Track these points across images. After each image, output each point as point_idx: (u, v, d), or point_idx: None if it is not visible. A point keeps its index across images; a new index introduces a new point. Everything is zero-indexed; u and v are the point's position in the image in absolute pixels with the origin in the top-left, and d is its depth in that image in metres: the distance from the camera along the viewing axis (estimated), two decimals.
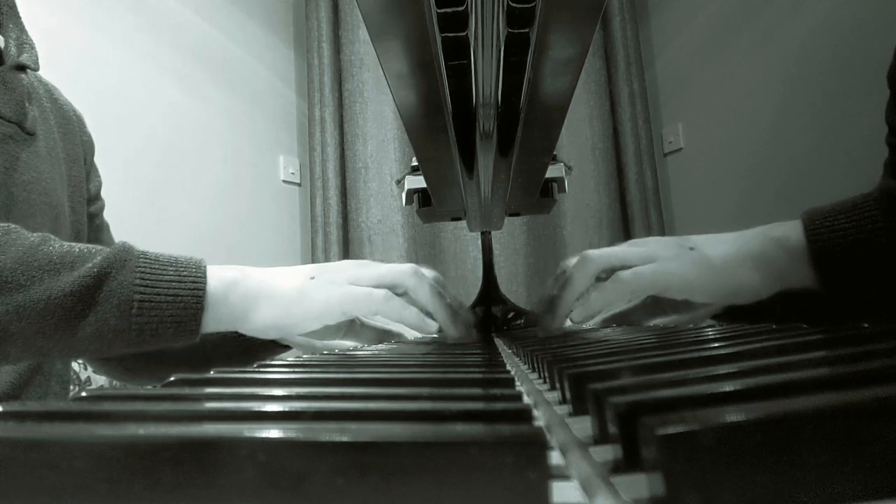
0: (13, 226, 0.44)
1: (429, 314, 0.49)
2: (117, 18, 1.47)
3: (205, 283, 0.45)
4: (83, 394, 0.18)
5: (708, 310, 0.56)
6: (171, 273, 0.44)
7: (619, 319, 0.60)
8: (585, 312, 0.46)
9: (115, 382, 1.18)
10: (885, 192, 0.41)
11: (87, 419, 0.14)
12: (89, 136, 0.77)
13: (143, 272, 0.43)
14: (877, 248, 0.39)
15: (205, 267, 0.46)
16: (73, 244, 0.44)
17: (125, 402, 0.16)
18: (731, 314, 0.56)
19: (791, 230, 0.43)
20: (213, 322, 0.46)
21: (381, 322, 0.58)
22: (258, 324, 0.47)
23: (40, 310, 0.40)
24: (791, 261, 0.43)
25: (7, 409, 0.14)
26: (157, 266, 0.44)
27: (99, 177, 0.78)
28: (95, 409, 0.15)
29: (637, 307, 0.59)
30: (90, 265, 0.42)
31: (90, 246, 0.44)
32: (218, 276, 0.46)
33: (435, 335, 0.51)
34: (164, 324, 0.43)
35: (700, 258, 0.45)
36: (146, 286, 0.43)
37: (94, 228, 0.76)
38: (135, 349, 0.43)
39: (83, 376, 1.16)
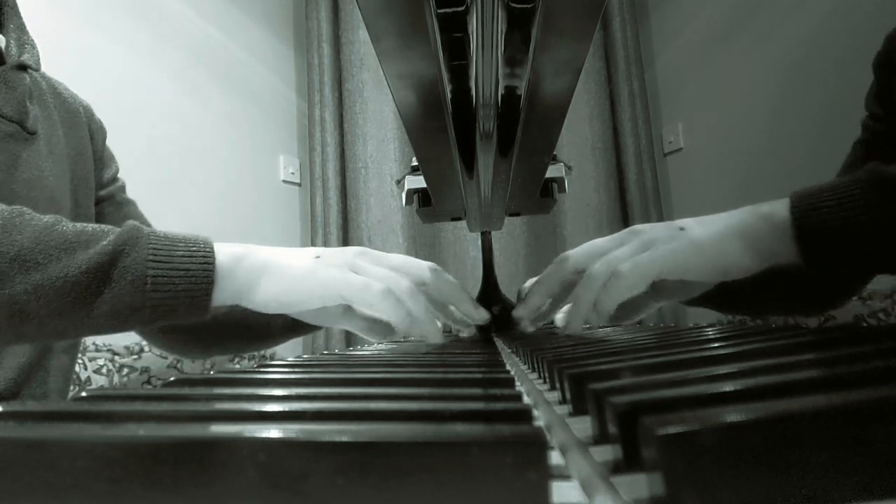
0: (25, 208, 0.45)
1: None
2: (117, 18, 1.47)
3: (214, 257, 0.46)
4: (83, 394, 0.18)
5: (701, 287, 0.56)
6: (182, 249, 0.45)
7: (619, 310, 0.61)
8: (601, 316, 0.47)
9: (115, 382, 1.18)
10: (871, 172, 0.42)
11: (87, 419, 0.14)
12: (99, 123, 0.79)
13: (154, 249, 0.44)
14: (858, 224, 0.40)
15: (212, 243, 0.47)
16: (86, 224, 0.45)
17: (125, 402, 0.16)
18: (722, 293, 0.55)
19: (778, 207, 0.44)
20: (220, 296, 0.46)
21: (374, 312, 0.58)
22: (262, 298, 0.47)
23: (58, 288, 0.41)
24: (777, 236, 0.43)
25: (7, 409, 0.14)
26: (167, 243, 0.45)
27: (115, 161, 0.80)
28: (95, 409, 0.15)
29: (637, 295, 0.60)
30: (104, 243, 0.43)
31: (101, 225, 0.45)
32: (225, 252, 0.47)
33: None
34: (178, 298, 0.44)
35: (691, 238, 0.46)
36: (159, 262, 0.43)
37: (116, 206, 0.78)
38: (147, 326, 0.44)
39: (83, 376, 1.16)
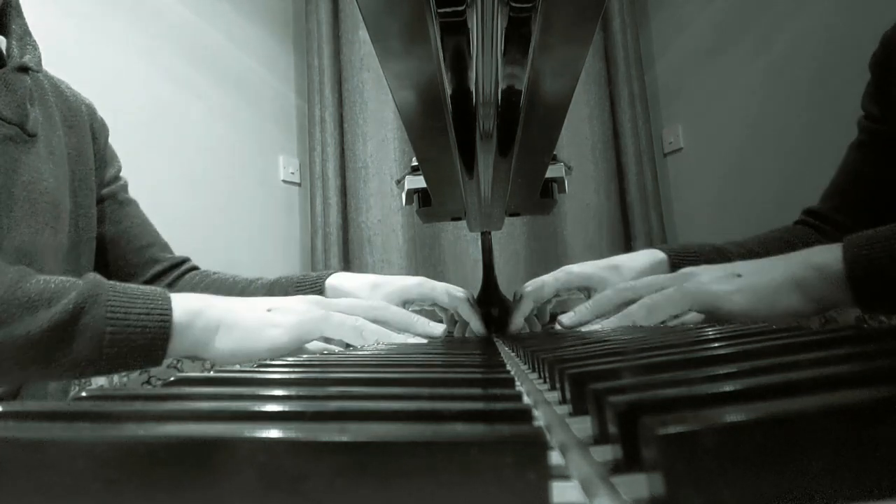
0: None
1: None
2: (116, 19, 1.47)
3: (171, 314, 0.48)
4: (83, 394, 0.18)
5: None
6: (140, 306, 0.47)
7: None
8: (649, 314, 0.50)
9: (115, 382, 1.18)
10: None
11: (87, 419, 0.14)
12: (101, 122, 0.80)
13: (112, 306, 0.46)
14: None
15: (170, 298, 0.49)
16: (50, 278, 0.47)
17: (125, 402, 0.16)
18: None
19: (830, 258, 0.46)
20: (177, 349, 0.49)
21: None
22: (217, 352, 0.50)
23: (20, 346, 0.43)
24: (830, 287, 0.45)
25: (7, 409, 0.14)
26: (126, 299, 0.47)
27: (117, 159, 0.81)
28: (95, 409, 0.15)
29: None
30: (65, 301, 0.45)
31: (65, 280, 0.47)
32: (182, 307, 0.49)
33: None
34: (133, 353, 0.46)
35: (748, 285, 0.48)
36: (117, 319, 0.46)
37: (118, 205, 0.78)
38: (104, 374, 0.47)
39: None
